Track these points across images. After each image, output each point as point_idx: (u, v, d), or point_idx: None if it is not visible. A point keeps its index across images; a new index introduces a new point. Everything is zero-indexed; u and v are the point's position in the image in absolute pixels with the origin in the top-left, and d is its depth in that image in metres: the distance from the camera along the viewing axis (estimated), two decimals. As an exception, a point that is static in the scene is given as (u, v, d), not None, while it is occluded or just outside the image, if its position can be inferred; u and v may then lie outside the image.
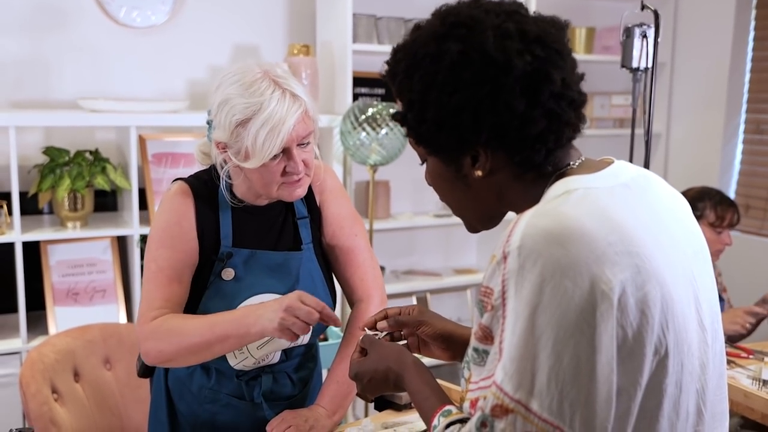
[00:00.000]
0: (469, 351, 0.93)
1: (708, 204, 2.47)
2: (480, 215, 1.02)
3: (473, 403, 0.87)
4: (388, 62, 1.00)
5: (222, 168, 1.46)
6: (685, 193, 2.42)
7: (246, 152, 1.39)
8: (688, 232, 1.00)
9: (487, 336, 0.88)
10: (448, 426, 0.92)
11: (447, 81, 0.91)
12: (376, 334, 1.22)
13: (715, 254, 2.49)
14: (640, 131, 2.38)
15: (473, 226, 1.04)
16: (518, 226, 0.86)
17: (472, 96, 0.90)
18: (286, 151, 1.41)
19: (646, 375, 0.86)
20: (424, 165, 1.04)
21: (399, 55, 0.97)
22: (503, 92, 0.89)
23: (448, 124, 0.92)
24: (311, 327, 1.35)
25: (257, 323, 1.35)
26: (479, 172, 0.95)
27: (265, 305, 1.37)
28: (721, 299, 2.48)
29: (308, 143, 1.44)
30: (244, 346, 1.45)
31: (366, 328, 1.25)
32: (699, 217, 2.43)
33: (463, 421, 0.91)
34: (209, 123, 1.47)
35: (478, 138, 0.92)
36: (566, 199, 0.88)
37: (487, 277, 0.88)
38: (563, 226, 0.83)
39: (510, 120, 0.90)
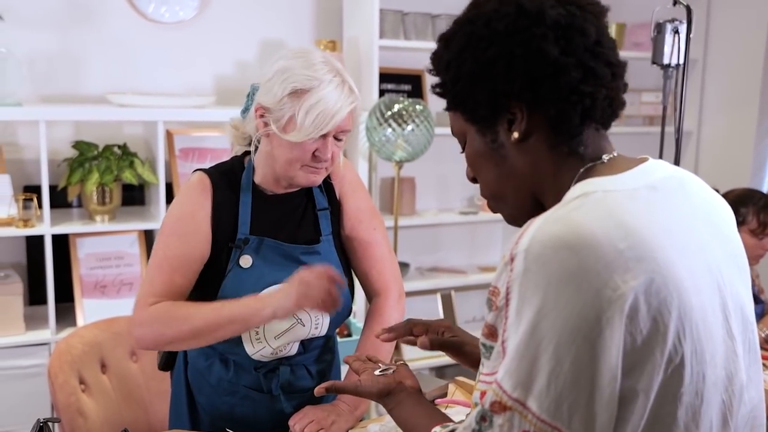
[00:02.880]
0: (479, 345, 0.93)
1: (751, 210, 2.37)
2: (518, 193, 0.99)
3: (483, 395, 0.87)
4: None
5: (254, 136, 1.48)
6: (727, 195, 2.35)
7: (288, 123, 1.41)
8: (722, 236, 0.97)
9: (493, 334, 0.88)
10: None
11: (482, 36, 0.92)
12: (384, 367, 1.24)
13: (755, 259, 2.40)
14: (670, 129, 2.34)
15: (513, 215, 1.02)
16: (529, 230, 0.85)
17: (505, 46, 0.91)
18: (324, 137, 1.43)
19: (657, 383, 0.84)
20: (465, 161, 1.03)
21: (442, 35, 1.00)
22: (536, 39, 0.90)
23: (482, 77, 0.93)
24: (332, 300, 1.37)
25: (269, 305, 1.38)
26: (515, 134, 0.94)
27: (273, 293, 1.41)
28: (760, 301, 2.43)
29: (342, 139, 1.47)
30: (248, 330, 1.46)
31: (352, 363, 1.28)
32: (741, 223, 2.35)
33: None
34: (252, 93, 1.49)
35: (511, 88, 0.92)
36: (581, 204, 0.87)
37: (495, 277, 0.88)
38: (573, 233, 0.82)
39: (543, 67, 0.90)
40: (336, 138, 1.46)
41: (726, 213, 1.00)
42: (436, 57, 1.00)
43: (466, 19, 0.96)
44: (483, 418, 0.85)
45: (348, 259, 1.62)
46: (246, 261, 1.49)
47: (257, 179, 1.52)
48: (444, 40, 0.98)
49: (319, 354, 1.62)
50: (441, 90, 1.00)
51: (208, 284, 1.50)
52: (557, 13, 0.90)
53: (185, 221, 1.48)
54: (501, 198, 1.02)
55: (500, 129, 0.95)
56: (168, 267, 1.46)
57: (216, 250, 1.50)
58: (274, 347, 1.53)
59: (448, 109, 1.01)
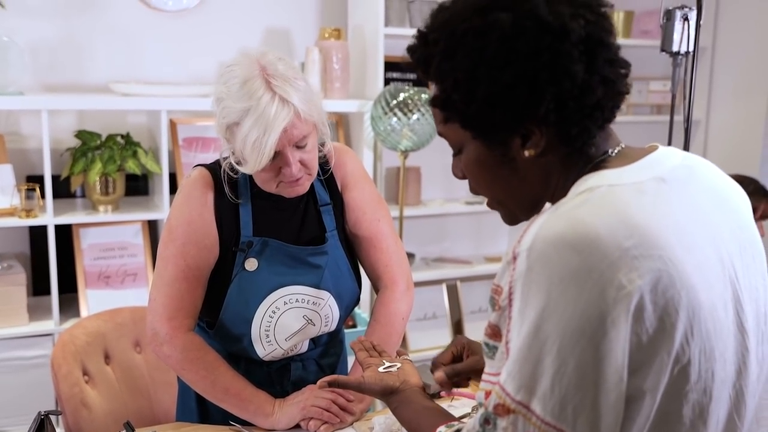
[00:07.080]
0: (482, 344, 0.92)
1: None
2: (524, 202, 0.96)
3: (487, 394, 0.86)
4: (413, 47, 0.93)
5: (224, 160, 1.45)
6: None
7: (240, 155, 1.37)
8: (736, 225, 0.93)
9: (496, 333, 0.86)
10: None
11: (498, 54, 0.84)
12: (392, 365, 1.23)
13: None
14: (679, 118, 2.31)
15: (514, 216, 0.98)
16: (532, 228, 0.83)
17: (528, 67, 0.84)
18: (279, 154, 1.36)
19: (664, 382, 0.82)
20: (454, 159, 0.99)
21: (433, 36, 0.90)
22: (562, 59, 0.83)
23: (502, 101, 0.86)
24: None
25: (278, 414, 1.44)
26: (531, 152, 0.89)
27: (285, 403, 1.46)
28: None
29: (306, 144, 1.39)
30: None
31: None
32: None
33: None
34: None
35: (535, 112, 0.85)
36: (585, 200, 0.84)
37: (498, 275, 0.86)
38: (576, 231, 0.80)
39: (570, 89, 0.84)
40: (298, 146, 1.38)
41: (741, 200, 0.97)
42: (434, 67, 0.89)
43: (470, 28, 0.85)
44: (486, 421, 0.83)
45: (353, 252, 1.60)
46: (252, 264, 1.46)
47: (255, 182, 1.49)
48: (441, 48, 0.88)
49: (329, 347, 1.61)
50: (445, 106, 0.91)
51: (214, 289, 1.48)
52: (578, 24, 0.84)
53: (196, 225, 1.44)
54: (502, 202, 0.98)
55: (513, 144, 0.89)
56: (193, 278, 1.44)
57: (221, 252, 1.47)
58: (285, 348, 1.51)
59: (447, 122, 0.92)
